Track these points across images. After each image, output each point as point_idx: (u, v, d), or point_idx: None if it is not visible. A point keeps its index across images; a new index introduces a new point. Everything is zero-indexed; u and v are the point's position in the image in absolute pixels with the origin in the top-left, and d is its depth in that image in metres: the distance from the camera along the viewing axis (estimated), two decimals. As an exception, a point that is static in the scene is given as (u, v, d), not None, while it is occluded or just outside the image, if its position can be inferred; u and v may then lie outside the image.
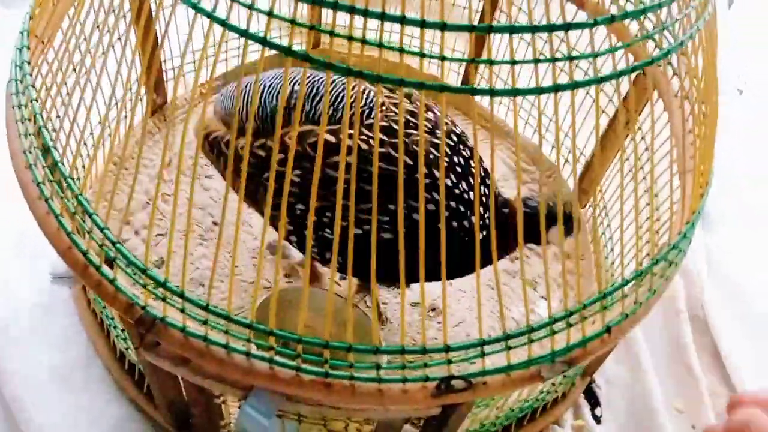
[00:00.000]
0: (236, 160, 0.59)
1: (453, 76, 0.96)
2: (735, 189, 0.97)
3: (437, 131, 0.60)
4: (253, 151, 0.60)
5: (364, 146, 0.57)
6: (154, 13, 0.73)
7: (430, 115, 0.62)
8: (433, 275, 0.42)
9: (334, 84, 0.62)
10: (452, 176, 0.59)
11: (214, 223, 0.81)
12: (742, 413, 0.42)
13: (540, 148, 0.46)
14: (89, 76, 0.52)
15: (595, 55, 0.39)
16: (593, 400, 0.75)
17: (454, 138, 0.61)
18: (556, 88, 0.38)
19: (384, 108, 0.60)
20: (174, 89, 0.46)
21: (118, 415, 0.68)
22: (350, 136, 0.55)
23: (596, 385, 0.76)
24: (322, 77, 0.63)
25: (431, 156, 0.58)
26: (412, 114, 0.60)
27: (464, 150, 0.61)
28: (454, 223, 0.59)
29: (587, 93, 0.80)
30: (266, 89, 0.64)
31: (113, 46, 0.55)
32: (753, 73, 1.18)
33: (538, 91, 0.38)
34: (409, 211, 0.54)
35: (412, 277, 0.41)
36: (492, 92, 0.37)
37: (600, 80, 0.39)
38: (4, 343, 0.71)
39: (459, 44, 0.91)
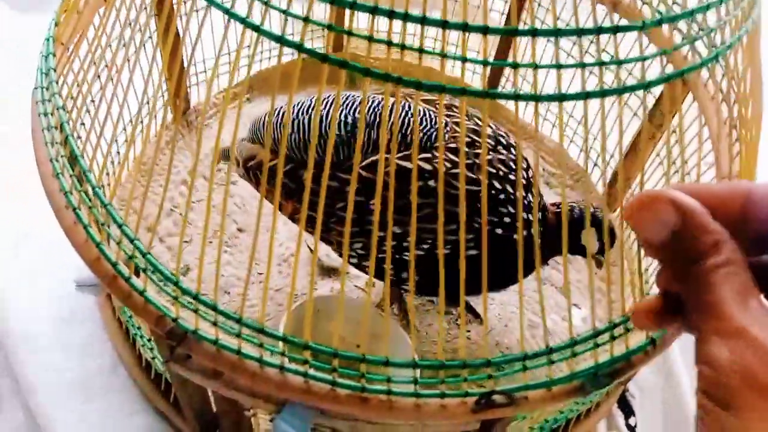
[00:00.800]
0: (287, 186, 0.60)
1: (470, 76, 0.94)
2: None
3: (498, 146, 0.59)
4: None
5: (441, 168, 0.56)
6: (180, 21, 0.72)
7: (488, 130, 0.60)
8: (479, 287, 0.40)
9: (371, 103, 0.60)
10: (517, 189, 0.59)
11: (239, 230, 0.80)
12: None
13: (565, 149, 0.45)
14: (115, 83, 0.51)
15: (644, 59, 0.37)
16: (627, 410, 0.73)
17: (507, 149, 0.60)
18: (603, 93, 0.37)
19: (448, 129, 0.59)
20: (207, 94, 0.45)
21: (143, 425, 0.67)
22: (427, 160, 0.56)
23: (630, 393, 0.74)
24: (359, 98, 0.62)
25: (501, 172, 0.58)
26: (474, 132, 0.59)
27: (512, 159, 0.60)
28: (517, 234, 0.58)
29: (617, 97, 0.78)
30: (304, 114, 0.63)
31: (138, 55, 0.54)
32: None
33: (585, 96, 0.36)
34: (492, 227, 0.55)
35: (473, 292, 0.40)
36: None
37: (648, 85, 0.38)
38: (28, 352, 0.71)
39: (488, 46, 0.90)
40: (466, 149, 0.58)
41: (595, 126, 0.48)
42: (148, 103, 0.75)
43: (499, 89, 0.93)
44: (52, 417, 0.67)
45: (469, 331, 0.75)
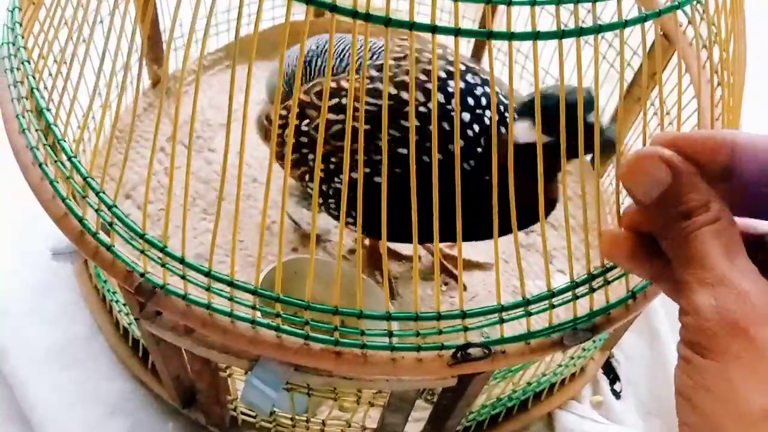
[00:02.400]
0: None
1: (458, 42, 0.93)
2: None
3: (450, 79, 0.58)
4: (281, 115, 0.61)
5: (360, 86, 0.56)
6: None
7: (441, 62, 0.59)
8: (449, 232, 0.39)
9: (343, 39, 0.61)
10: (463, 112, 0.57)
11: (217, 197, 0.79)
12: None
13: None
14: (84, 37, 0.49)
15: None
16: (612, 375, 0.72)
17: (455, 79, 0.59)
18: (580, 32, 0.35)
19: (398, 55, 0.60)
20: (185, 55, 0.43)
21: (121, 392, 0.66)
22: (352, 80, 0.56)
23: (615, 359, 0.73)
24: (341, 39, 0.63)
25: (427, 84, 0.57)
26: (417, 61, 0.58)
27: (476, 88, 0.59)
28: (468, 164, 0.56)
29: (604, 58, 0.77)
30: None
31: (113, 18, 0.53)
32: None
33: (561, 34, 0.35)
34: (419, 154, 0.52)
35: (426, 234, 0.38)
36: (511, 36, 0.35)
37: (625, 24, 0.37)
38: (4, 321, 0.69)
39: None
40: (393, 62, 0.58)
41: (573, 80, 0.47)
42: (123, 68, 0.74)
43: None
44: (28, 385, 0.66)
45: (452, 297, 0.74)
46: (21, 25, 0.51)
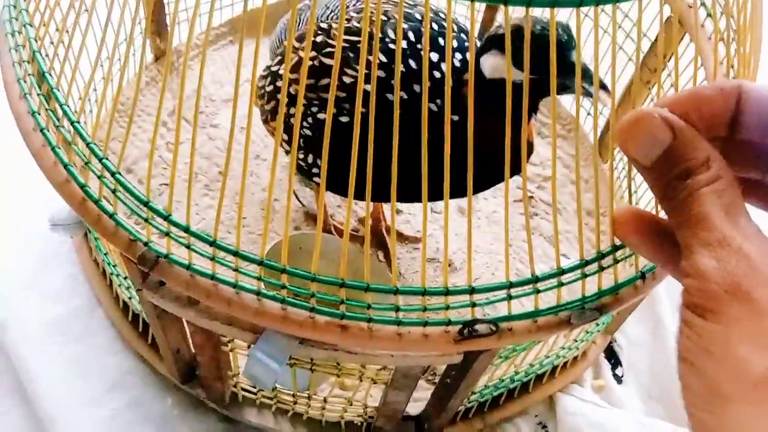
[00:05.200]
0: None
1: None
2: None
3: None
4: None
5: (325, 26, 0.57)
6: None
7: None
8: (437, 189, 0.37)
9: None
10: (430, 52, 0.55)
11: (221, 173, 0.78)
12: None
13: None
14: (86, 6, 0.48)
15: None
16: (614, 360, 0.72)
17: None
18: (598, 1, 0.34)
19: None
20: (190, 32, 0.42)
21: (121, 367, 0.66)
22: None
23: (617, 344, 0.73)
24: None
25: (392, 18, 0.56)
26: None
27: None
28: (435, 104, 0.53)
29: (620, 26, 0.75)
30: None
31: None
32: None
33: (579, 2, 0.34)
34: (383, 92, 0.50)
35: (408, 192, 0.37)
36: (529, 3, 0.34)
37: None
38: (4, 294, 0.69)
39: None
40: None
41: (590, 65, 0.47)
42: (126, 40, 0.72)
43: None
44: (27, 359, 0.65)
45: (455, 284, 0.73)
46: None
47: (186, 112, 0.80)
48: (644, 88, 0.74)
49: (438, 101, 0.52)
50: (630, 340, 0.74)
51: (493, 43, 0.50)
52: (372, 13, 0.55)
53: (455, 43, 0.56)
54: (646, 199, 0.72)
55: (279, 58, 0.60)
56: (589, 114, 0.84)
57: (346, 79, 0.54)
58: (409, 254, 0.75)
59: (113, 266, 0.63)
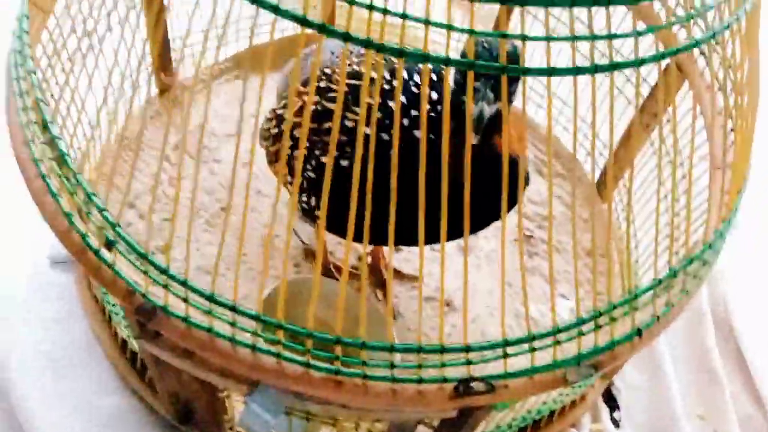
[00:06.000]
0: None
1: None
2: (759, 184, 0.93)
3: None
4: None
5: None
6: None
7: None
8: (433, 233, 0.38)
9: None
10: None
11: (222, 209, 0.78)
12: None
13: (556, 136, 0.43)
14: (93, 49, 0.49)
15: (637, 34, 0.36)
16: (612, 404, 0.72)
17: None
18: (594, 69, 0.35)
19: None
20: (198, 64, 0.43)
21: (117, 405, 0.65)
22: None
23: (615, 387, 0.73)
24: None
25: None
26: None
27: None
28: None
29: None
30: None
31: (120, 22, 0.52)
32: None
33: (575, 71, 0.35)
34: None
35: (405, 235, 0.38)
36: (525, 71, 0.34)
37: (641, 62, 0.36)
38: (2, 327, 0.69)
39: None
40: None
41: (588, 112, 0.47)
42: (131, 75, 0.73)
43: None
44: (24, 393, 0.65)
45: (454, 325, 0.73)
46: (29, 33, 0.51)
47: (189, 147, 0.80)
48: (643, 132, 0.74)
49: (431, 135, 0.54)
50: (628, 384, 0.73)
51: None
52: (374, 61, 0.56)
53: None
54: (645, 242, 0.73)
55: (284, 101, 0.60)
56: (588, 154, 0.84)
57: (348, 123, 0.54)
58: (408, 293, 0.75)
59: (112, 304, 0.63)
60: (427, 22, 0.32)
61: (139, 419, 0.64)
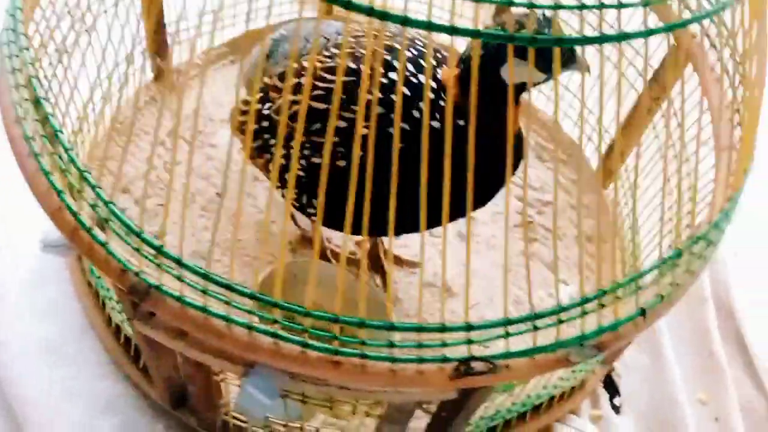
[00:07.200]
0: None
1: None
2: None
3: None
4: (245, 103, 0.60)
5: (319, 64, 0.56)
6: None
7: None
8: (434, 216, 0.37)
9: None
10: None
11: (217, 194, 0.77)
12: None
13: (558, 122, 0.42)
14: (86, 27, 0.48)
15: (646, 4, 0.35)
16: (612, 390, 0.71)
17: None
18: (602, 39, 0.34)
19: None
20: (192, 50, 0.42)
21: (111, 391, 0.65)
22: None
23: (616, 373, 0.72)
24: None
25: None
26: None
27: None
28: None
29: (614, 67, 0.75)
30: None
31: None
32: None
33: (584, 40, 0.34)
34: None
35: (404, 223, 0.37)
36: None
37: (649, 33, 0.35)
38: (-5, 314, 0.68)
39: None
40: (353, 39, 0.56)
41: (590, 99, 0.46)
42: (126, 59, 0.72)
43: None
44: (17, 380, 0.64)
45: (453, 312, 0.72)
46: (22, 10, 0.50)
47: (185, 132, 0.79)
48: (647, 116, 0.74)
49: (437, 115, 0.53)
50: (629, 369, 0.73)
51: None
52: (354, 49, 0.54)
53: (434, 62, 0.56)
54: (647, 228, 0.72)
55: (260, 94, 0.58)
56: (590, 140, 0.84)
57: (340, 123, 0.53)
58: (407, 279, 0.74)
59: (106, 289, 0.62)
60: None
61: (134, 404, 0.63)
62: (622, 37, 0.34)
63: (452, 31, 0.32)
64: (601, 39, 0.34)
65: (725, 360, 0.73)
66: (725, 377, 0.72)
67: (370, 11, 0.32)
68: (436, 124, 0.50)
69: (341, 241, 0.73)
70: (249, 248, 0.73)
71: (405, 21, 0.32)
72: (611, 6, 0.33)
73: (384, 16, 0.32)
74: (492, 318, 0.42)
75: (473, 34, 0.32)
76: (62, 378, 0.65)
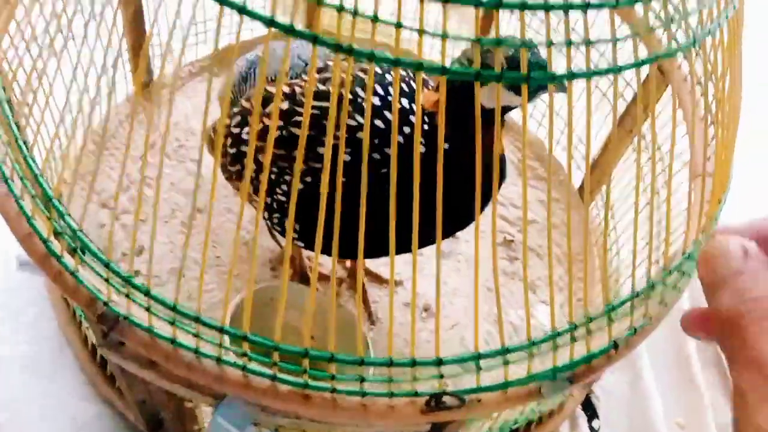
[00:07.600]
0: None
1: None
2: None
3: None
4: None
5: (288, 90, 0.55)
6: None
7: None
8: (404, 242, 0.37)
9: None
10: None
11: (198, 210, 0.77)
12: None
13: (540, 140, 0.42)
14: (56, 51, 0.48)
15: (615, 40, 0.34)
16: (591, 412, 0.71)
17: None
18: (571, 76, 0.34)
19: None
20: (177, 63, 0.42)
21: (87, 411, 0.64)
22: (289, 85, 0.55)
23: (595, 396, 0.72)
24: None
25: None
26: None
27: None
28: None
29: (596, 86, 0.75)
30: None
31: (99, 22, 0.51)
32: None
33: (552, 78, 0.33)
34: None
35: (377, 246, 0.37)
36: (500, 77, 0.33)
37: (619, 69, 0.35)
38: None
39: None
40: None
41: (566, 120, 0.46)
42: (106, 73, 0.71)
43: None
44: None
45: (433, 331, 0.72)
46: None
47: (167, 147, 0.79)
48: (626, 137, 0.74)
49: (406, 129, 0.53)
50: (607, 392, 0.73)
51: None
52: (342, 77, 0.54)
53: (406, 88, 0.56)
54: (628, 248, 0.72)
55: (239, 118, 0.57)
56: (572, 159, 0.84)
57: (321, 150, 0.52)
58: (387, 297, 0.74)
59: (81, 309, 0.62)
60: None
61: (109, 425, 0.63)
62: (590, 74, 0.34)
63: (419, 67, 0.32)
64: (570, 76, 0.34)
65: (704, 384, 0.73)
66: (703, 401, 0.72)
67: (337, 47, 0.32)
68: (422, 149, 0.50)
69: (323, 259, 0.72)
70: (228, 265, 0.73)
71: (371, 57, 0.32)
72: (580, 43, 0.33)
73: (351, 52, 0.32)
74: (473, 338, 0.42)
75: (441, 71, 0.32)
76: (38, 396, 0.65)
